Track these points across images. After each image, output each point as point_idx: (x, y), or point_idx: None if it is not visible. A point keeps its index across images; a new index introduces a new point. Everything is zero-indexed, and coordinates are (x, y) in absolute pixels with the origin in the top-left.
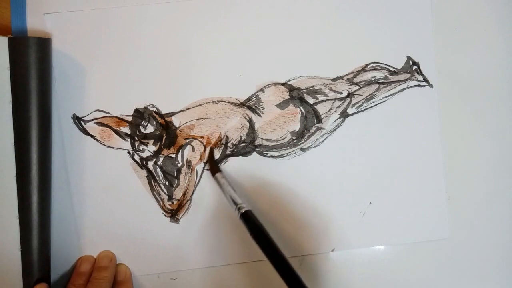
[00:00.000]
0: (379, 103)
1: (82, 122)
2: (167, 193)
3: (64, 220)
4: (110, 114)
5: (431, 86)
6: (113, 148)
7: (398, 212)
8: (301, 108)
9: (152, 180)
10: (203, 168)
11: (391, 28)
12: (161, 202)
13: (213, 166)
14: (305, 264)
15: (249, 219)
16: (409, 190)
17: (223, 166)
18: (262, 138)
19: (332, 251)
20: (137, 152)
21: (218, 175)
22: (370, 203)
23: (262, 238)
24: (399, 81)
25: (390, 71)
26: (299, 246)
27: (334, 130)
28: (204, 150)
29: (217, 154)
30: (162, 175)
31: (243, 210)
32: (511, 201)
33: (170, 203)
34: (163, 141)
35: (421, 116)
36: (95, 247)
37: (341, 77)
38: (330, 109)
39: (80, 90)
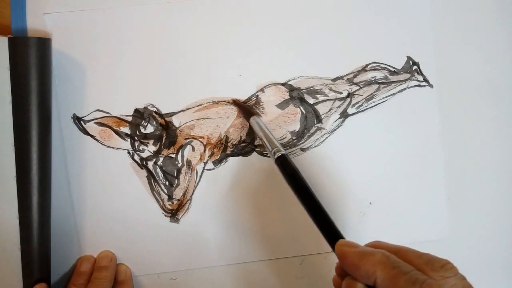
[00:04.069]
0: (379, 103)
1: (82, 122)
2: (167, 193)
3: (64, 220)
4: (110, 114)
5: (431, 86)
6: (113, 148)
7: (398, 212)
8: (301, 108)
9: (152, 180)
10: (203, 167)
11: (391, 28)
12: (161, 202)
13: (247, 109)
14: (305, 264)
15: (285, 163)
16: (409, 190)
17: (223, 166)
18: None
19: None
20: (137, 152)
21: (254, 117)
22: (370, 203)
23: (296, 183)
24: (399, 81)
25: (390, 71)
26: (299, 246)
27: (334, 130)
28: (204, 150)
29: (217, 154)
30: (162, 175)
31: (279, 154)
32: (511, 201)
33: (170, 203)
34: (163, 141)
35: (421, 116)
36: (95, 247)
37: (341, 77)
38: (330, 109)
39: (80, 90)
